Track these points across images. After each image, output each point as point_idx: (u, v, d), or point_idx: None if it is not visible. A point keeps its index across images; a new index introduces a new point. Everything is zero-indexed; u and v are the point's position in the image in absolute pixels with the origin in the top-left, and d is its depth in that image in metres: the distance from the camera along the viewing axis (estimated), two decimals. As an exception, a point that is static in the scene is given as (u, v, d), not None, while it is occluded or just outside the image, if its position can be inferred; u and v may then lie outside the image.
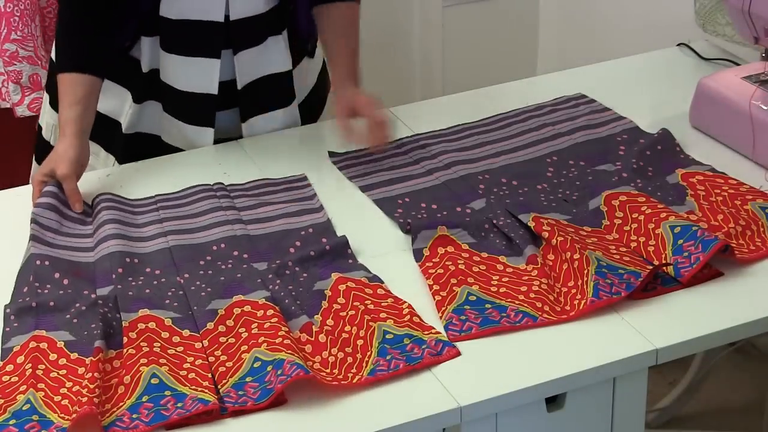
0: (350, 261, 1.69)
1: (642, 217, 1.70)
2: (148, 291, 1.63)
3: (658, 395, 2.61)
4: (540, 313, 1.56)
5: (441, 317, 1.57)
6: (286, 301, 1.59)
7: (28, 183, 1.98)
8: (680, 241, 1.64)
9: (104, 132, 2.01)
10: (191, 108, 1.98)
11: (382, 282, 1.64)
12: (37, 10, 2.64)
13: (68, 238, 1.76)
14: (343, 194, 1.88)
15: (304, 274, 1.66)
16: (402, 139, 2.00)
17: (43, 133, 2.10)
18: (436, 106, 2.17)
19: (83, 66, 1.89)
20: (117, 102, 2.00)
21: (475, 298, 1.58)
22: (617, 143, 1.95)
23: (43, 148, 2.05)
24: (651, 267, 1.61)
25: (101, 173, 1.97)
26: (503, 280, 1.63)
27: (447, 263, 1.65)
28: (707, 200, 1.77)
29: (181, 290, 1.64)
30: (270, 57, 2.00)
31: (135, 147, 2.02)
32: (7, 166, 2.95)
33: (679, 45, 2.32)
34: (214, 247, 1.73)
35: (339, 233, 1.75)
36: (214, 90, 1.97)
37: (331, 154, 1.97)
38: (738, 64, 2.17)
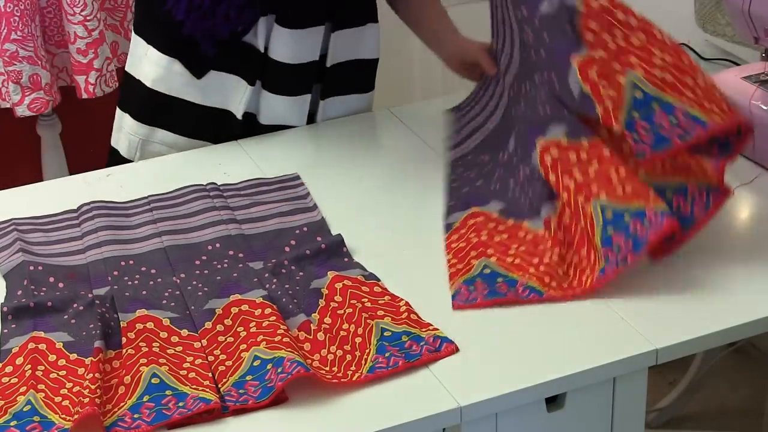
0: (346, 259, 1.69)
1: (572, 186, 1.68)
2: (144, 292, 1.63)
3: (658, 395, 2.61)
4: (546, 288, 1.57)
5: (451, 286, 1.59)
6: (284, 299, 1.59)
7: (28, 183, 1.98)
8: (610, 231, 1.61)
9: (212, 125, 2.04)
10: (293, 79, 2.00)
11: (379, 280, 1.64)
12: (37, 10, 2.64)
13: (56, 245, 1.75)
14: (339, 194, 1.88)
15: (300, 273, 1.66)
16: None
17: (124, 153, 2.09)
18: (436, 106, 2.17)
19: None
20: (226, 92, 2.01)
21: (489, 271, 1.61)
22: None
23: None
24: (656, 198, 1.59)
25: (101, 173, 1.97)
26: (520, 249, 1.65)
27: (470, 236, 1.69)
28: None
29: (178, 290, 1.64)
30: (364, 42, 2.06)
31: (244, 130, 2.04)
32: (7, 166, 2.96)
33: (679, 45, 2.31)
34: (209, 247, 1.74)
35: (334, 233, 1.75)
36: (316, 56, 2.01)
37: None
38: (738, 64, 2.17)
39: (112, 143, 2.13)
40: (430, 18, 2.14)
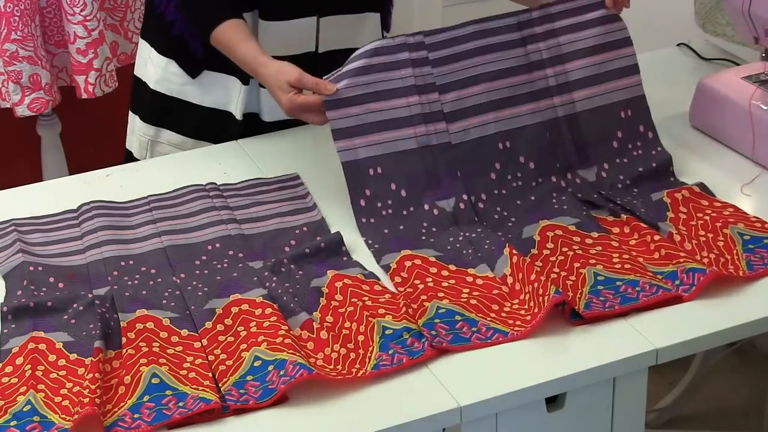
0: (345, 258, 1.70)
1: (571, 253, 1.67)
2: (144, 292, 1.63)
3: (658, 395, 2.61)
4: (510, 328, 1.54)
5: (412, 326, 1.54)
6: (284, 298, 1.59)
7: (28, 183, 1.98)
8: (600, 287, 1.61)
9: (215, 126, 2.04)
10: None
11: (378, 279, 1.64)
12: (37, 10, 2.64)
13: (56, 245, 1.75)
14: (340, 194, 1.87)
15: (300, 272, 1.66)
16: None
17: (136, 154, 2.12)
18: (436, 106, 2.16)
19: (227, 11, 1.91)
20: (223, 92, 2.02)
21: (444, 310, 1.56)
22: (618, 121, 1.86)
23: None
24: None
25: (101, 173, 1.97)
26: (474, 293, 1.61)
27: (416, 282, 1.63)
28: (687, 225, 1.74)
29: (178, 290, 1.64)
30: (361, 30, 2.04)
31: (246, 130, 2.04)
32: (7, 166, 2.96)
33: (679, 45, 2.32)
34: (209, 247, 1.74)
35: (334, 232, 1.75)
36: (311, 47, 2.00)
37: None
38: (738, 64, 2.17)
39: (127, 145, 2.16)
40: None
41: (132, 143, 2.14)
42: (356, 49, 1.95)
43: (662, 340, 1.53)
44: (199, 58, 2.00)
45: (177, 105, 2.04)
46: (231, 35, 1.89)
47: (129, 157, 2.14)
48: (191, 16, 1.95)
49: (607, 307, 1.56)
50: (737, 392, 2.70)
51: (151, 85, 2.06)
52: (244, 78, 1.99)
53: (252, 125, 2.04)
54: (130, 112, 2.14)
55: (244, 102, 2.01)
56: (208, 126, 2.04)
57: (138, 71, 2.11)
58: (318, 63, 2.02)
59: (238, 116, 2.02)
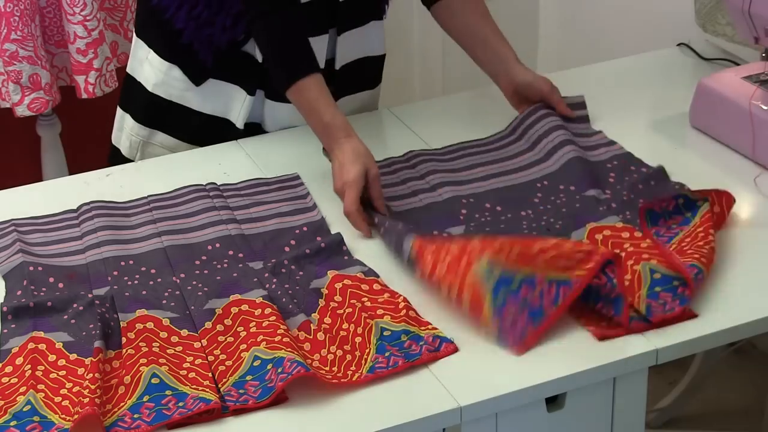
0: (345, 257, 1.69)
1: (623, 254, 1.63)
2: (144, 292, 1.63)
3: (658, 395, 2.61)
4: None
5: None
6: (284, 299, 1.59)
7: (28, 183, 1.98)
8: (657, 288, 1.58)
9: (213, 132, 2.03)
10: None
11: (378, 276, 1.64)
12: (37, 10, 2.64)
13: (56, 246, 1.75)
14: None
15: (300, 273, 1.66)
16: (392, 158, 1.95)
17: (125, 153, 2.09)
18: (436, 106, 2.17)
19: (316, 65, 1.88)
20: (225, 100, 2.01)
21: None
22: (607, 170, 1.87)
23: None
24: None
25: (101, 173, 1.97)
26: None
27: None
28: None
29: (178, 290, 1.64)
30: (369, 40, 2.05)
31: (246, 137, 2.04)
32: (7, 166, 2.96)
33: (679, 45, 2.32)
34: (209, 247, 1.74)
35: (334, 232, 1.75)
36: (321, 63, 1.98)
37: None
38: (738, 64, 2.17)
39: (113, 141, 2.13)
40: (483, 33, 2.03)
41: (120, 140, 2.10)
42: (366, 58, 2.00)
43: (662, 340, 1.53)
44: (206, 67, 1.98)
45: (176, 109, 2.02)
46: (317, 93, 1.85)
47: (115, 153, 2.11)
48: (276, 58, 1.88)
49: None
50: (737, 392, 2.70)
51: (149, 88, 2.03)
52: (251, 89, 1.98)
53: (252, 133, 2.03)
54: (119, 109, 2.11)
55: (248, 112, 2.00)
56: (206, 132, 2.03)
57: (132, 69, 2.07)
58: (334, 77, 2.01)
59: (240, 125, 2.01)
